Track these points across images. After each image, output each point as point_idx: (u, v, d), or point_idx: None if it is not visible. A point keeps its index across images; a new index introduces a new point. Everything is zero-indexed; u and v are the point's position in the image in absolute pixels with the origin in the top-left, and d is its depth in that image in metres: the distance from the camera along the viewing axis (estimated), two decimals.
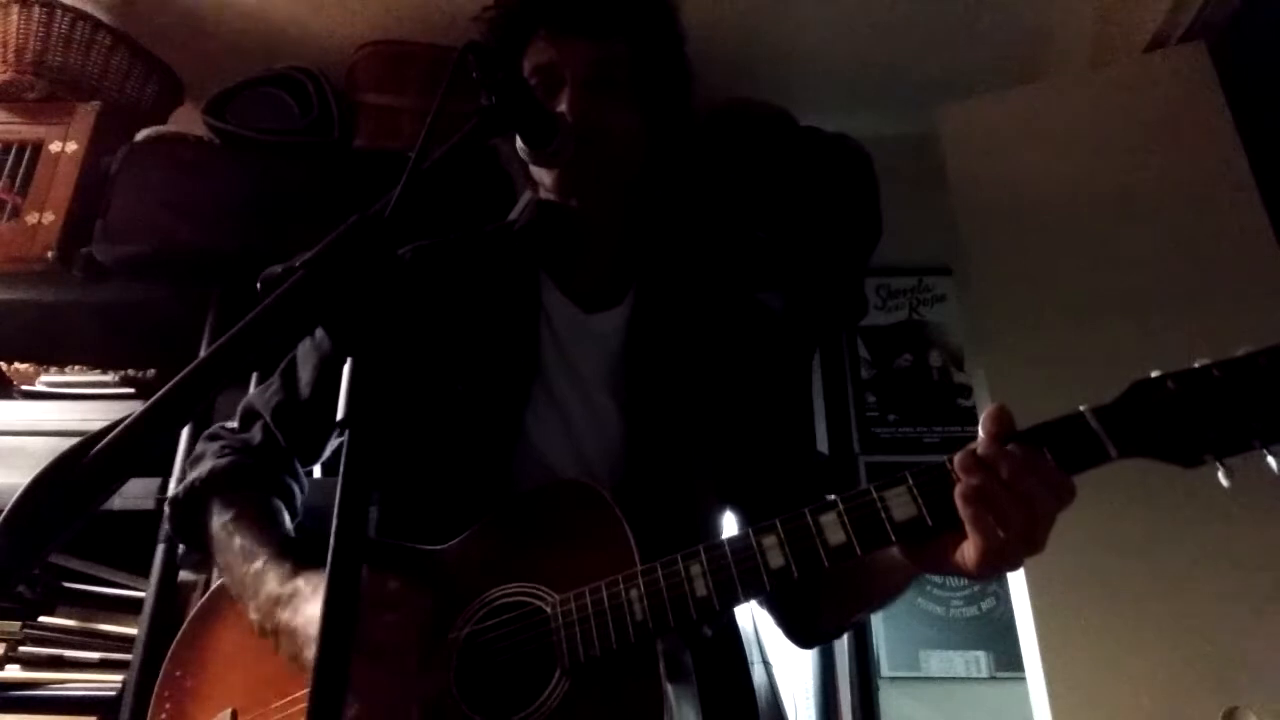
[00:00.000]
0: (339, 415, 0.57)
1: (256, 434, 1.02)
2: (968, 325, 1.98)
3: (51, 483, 0.50)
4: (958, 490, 0.68)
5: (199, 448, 1.03)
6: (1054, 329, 1.65)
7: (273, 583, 0.84)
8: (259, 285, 0.99)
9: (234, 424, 1.05)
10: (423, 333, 0.98)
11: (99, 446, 0.50)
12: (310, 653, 0.76)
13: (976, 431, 0.71)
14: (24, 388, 1.89)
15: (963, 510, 0.68)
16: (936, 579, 2.20)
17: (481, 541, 0.88)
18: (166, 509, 1.00)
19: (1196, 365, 0.67)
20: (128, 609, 1.65)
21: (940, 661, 2.12)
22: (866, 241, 1.85)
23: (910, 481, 0.72)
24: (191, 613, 0.99)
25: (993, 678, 2.08)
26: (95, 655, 1.59)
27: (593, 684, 0.77)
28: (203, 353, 0.56)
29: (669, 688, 0.75)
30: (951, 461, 0.70)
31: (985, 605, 2.17)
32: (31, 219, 1.85)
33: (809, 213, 1.80)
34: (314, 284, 0.60)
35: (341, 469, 0.56)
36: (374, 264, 0.62)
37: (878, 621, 2.14)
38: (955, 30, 2.21)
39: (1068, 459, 0.68)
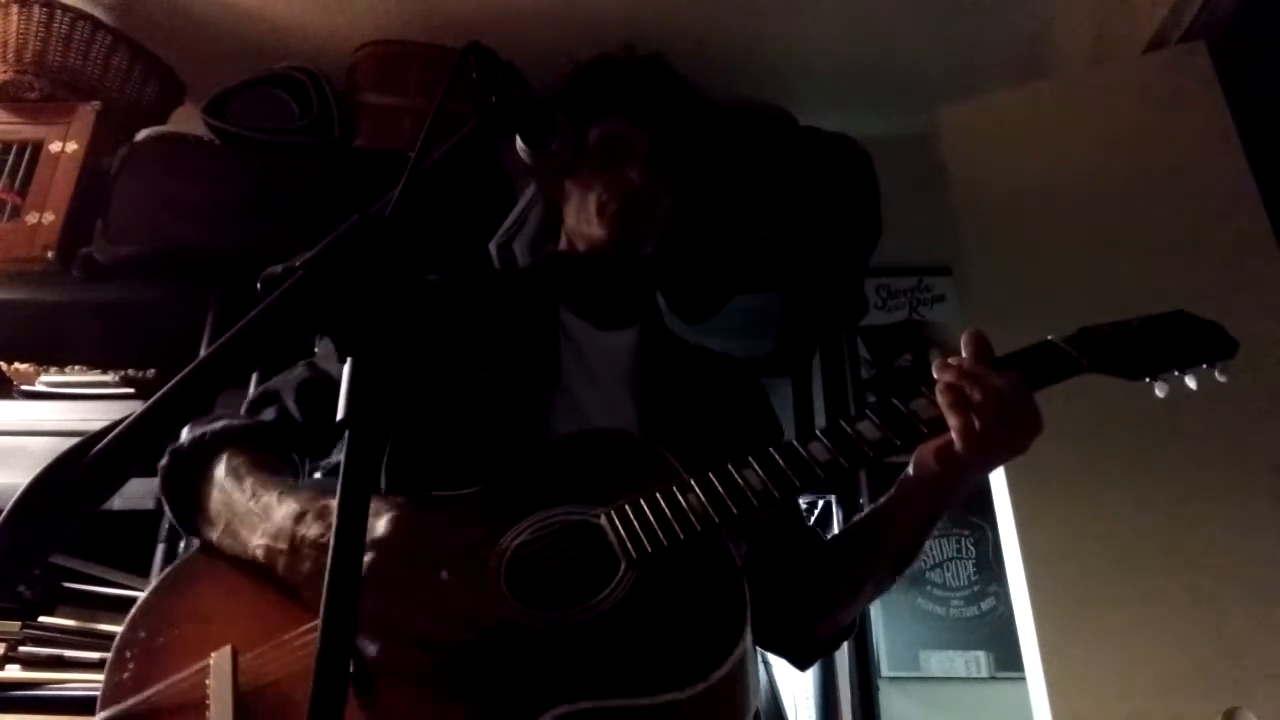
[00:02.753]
0: (339, 415, 0.57)
1: (269, 414, 1.01)
2: (968, 325, 1.98)
3: (51, 483, 0.50)
4: (937, 385, 0.83)
5: (213, 414, 1.01)
6: (1054, 328, 1.64)
7: (293, 503, 0.82)
8: (259, 285, 1.00)
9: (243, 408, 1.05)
10: (448, 340, 1.04)
11: (99, 446, 0.50)
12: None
13: None
14: (24, 388, 1.89)
15: (941, 398, 0.82)
16: (937, 579, 2.20)
17: (519, 478, 0.90)
18: (166, 458, 0.97)
19: (1125, 319, 0.93)
20: (128, 609, 1.64)
21: (940, 661, 2.12)
22: (866, 241, 1.85)
23: (926, 392, 0.86)
24: (151, 586, 0.94)
25: (993, 678, 2.08)
26: (95, 655, 1.58)
27: (663, 572, 0.79)
28: (203, 353, 0.56)
29: (748, 598, 0.77)
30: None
31: (985, 605, 2.17)
32: (31, 219, 1.85)
33: (809, 213, 1.80)
34: (314, 284, 0.60)
35: (341, 469, 0.55)
36: (374, 264, 0.62)
37: (878, 621, 2.14)
38: (955, 30, 2.21)
39: (1049, 370, 0.86)
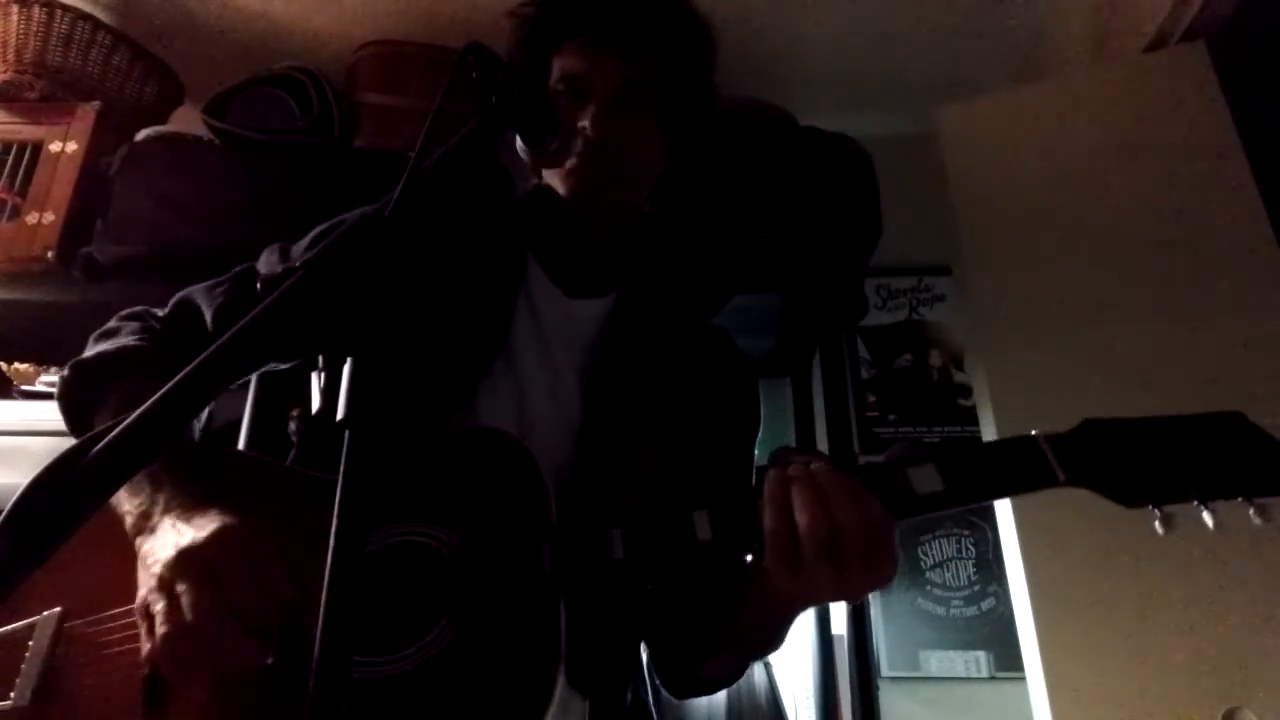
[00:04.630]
0: (339, 415, 0.57)
1: (188, 327, 0.97)
2: (968, 325, 1.98)
3: (51, 483, 0.50)
4: (767, 475, 0.70)
5: (114, 324, 0.98)
6: (1054, 329, 1.65)
7: (178, 488, 0.77)
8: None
9: (162, 312, 1.00)
10: (405, 283, 0.96)
11: (99, 447, 0.50)
12: (161, 570, 0.69)
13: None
14: (24, 388, 1.89)
15: (764, 490, 0.70)
16: (937, 579, 2.20)
17: (390, 473, 0.83)
18: (67, 372, 0.91)
19: (1146, 417, 0.71)
20: None
21: (940, 661, 2.12)
22: (866, 241, 1.85)
23: None
24: None
25: (993, 678, 2.08)
26: None
27: (482, 639, 0.72)
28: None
29: (561, 680, 0.70)
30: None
31: (985, 605, 2.17)
32: (31, 219, 1.84)
33: (809, 213, 1.80)
34: (314, 284, 0.60)
35: (341, 469, 0.55)
36: (374, 264, 0.62)
37: (878, 621, 2.14)
38: (955, 30, 2.21)
39: (1019, 479, 0.70)
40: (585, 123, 0.92)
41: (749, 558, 0.76)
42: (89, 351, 0.93)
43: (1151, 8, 1.80)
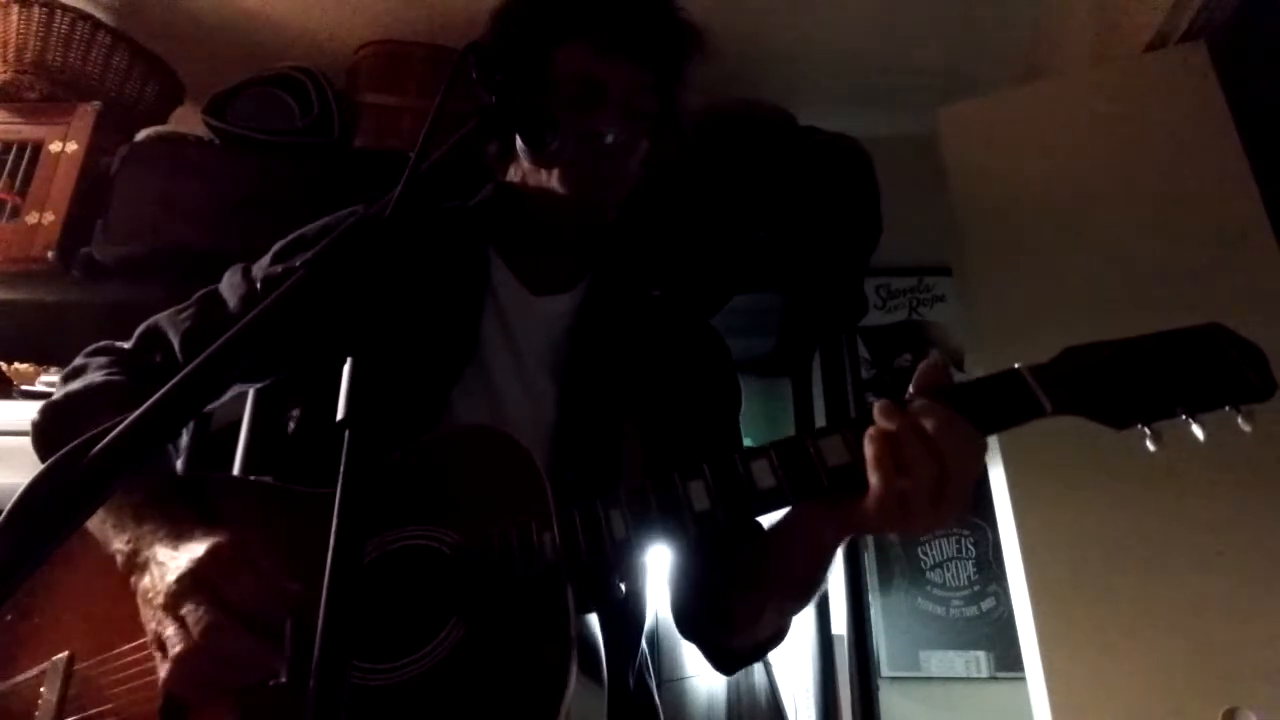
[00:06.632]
0: (339, 415, 0.57)
1: (156, 356, 0.96)
2: (968, 325, 1.98)
3: (51, 483, 0.49)
4: (867, 431, 0.69)
5: (81, 361, 0.96)
6: (1054, 329, 1.64)
7: (162, 519, 0.77)
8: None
9: (127, 344, 0.99)
10: (368, 293, 0.94)
11: (99, 446, 0.49)
12: (163, 600, 0.69)
13: None
14: (24, 388, 1.89)
15: (867, 449, 0.69)
16: (937, 579, 2.20)
17: (379, 481, 0.81)
18: (38, 415, 0.90)
19: (1126, 337, 0.71)
20: None
21: (940, 661, 2.12)
22: (866, 241, 1.85)
23: (845, 431, 0.73)
24: None
25: (993, 678, 2.08)
26: None
27: (492, 634, 0.72)
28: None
29: (574, 665, 0.69)
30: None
31: (985, 605, 2.17)
32: (31, 219, 1.85)
33: (809, 213, 1.80)
34: (314, 284, 0.60)
35: (341, 469, 0.55)
36: (374, 264, 0.62)
37: (878, 621, 2.14)
38: (955, 31, 2.21)
39: (1005, 413, 0.70)
40: (602, 128, 0.93)
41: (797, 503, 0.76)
42: (57, 393, 0.92)
43: (1151, 8, 1.80)
